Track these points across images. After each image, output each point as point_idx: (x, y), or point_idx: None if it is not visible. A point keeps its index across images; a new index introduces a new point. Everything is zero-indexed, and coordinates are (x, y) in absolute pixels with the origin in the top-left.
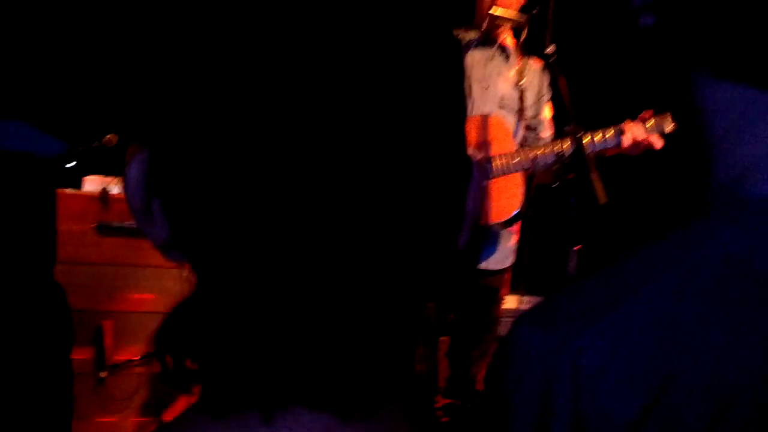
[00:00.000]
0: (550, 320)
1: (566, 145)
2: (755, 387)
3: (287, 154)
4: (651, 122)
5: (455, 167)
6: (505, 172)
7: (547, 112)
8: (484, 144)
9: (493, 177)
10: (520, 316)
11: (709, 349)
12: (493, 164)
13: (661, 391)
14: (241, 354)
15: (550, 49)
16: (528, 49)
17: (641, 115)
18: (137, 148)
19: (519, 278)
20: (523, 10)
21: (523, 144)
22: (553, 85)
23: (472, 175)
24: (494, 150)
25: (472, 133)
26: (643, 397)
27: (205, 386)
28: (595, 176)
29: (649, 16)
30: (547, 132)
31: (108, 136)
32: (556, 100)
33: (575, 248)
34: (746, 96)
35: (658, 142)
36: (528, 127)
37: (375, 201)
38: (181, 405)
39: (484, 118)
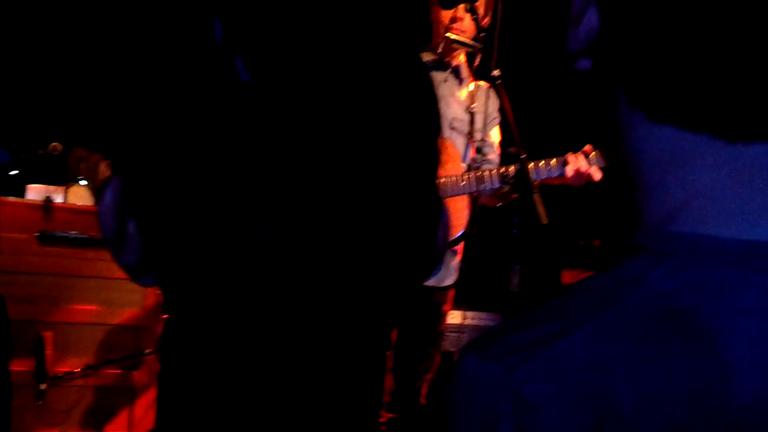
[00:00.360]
0: (497, 350)
1: (511, 169)
2: None
3: (261, 178)
4: (593, 155)
5: (427, 204)
6: (452, 194)
7: (495, 136)
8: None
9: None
10: (467, 344)
11: (635, 397)
12: (440, 186)
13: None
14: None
15: (495, 72)
16: (481, 74)
17: (584, 148)
18: (109, 173)
19: (463, 294)
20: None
21: (471, 166)
22: (500, 108)
23: (442, 210)
24: (442, 171)
25: None
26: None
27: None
28: (537, 197)
29: (586, 60)
30: (494, 155)
31: (53, 144)
32: (503, 124)
33: (517, 266)
34: (679, 137)
35: (597, 175)
36: (477, 150)
37: (348, 237)
38: (122, 419)
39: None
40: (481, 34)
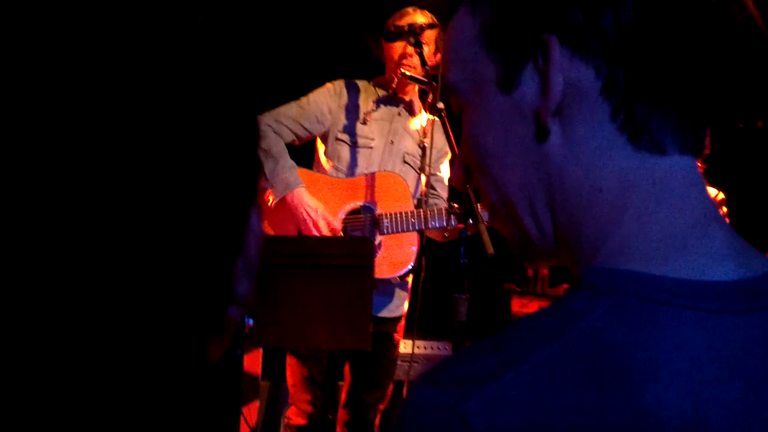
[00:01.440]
0: (448, 380)
1: (457, 206)
2: None
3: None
4: None
5: (233, 214)
6: (400, 230)
7: (445, 171)
8: (382, 200)
9: (388, 233)
10: (420, 374)
11: (571, 429)
12: (388, 221)
13: None
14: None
15: (440, 105)
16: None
17: None
18: None
19: (413, 324)
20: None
21: (422, 200)
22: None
23: (250, 225)
24: (392, 207)
25: (372, 188)
26: None
27: None
28: (482, 227)
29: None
30: (444, 191)
31: None
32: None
33: (465, 296)
34: (626, 179)
35: None
36: (427, 185)
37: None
38: None
39: (385, 175)
40: (428, 69)
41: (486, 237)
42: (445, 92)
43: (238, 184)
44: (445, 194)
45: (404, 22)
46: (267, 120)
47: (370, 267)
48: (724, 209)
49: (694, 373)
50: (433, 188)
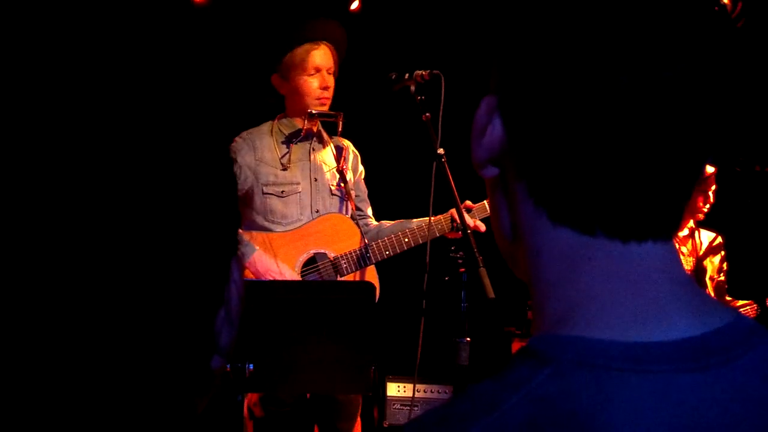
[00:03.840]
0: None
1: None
2: None
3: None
4: (472, 210)
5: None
6: (358, 267)
7: (364, 188)
8: (333, 242)
9: (348, 273)
10: (409, 423)
11: None
12: (345, 262)
13: None
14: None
15: (440, 151)
16: (413, 131)
17: (464, 204)
18: None
19: (413, 368)
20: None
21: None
22: (445, 182)
23: (231, 277)
24: (344, 246)
25: (319, 233)
26: None
27: None
28: (483, 272)
29: (492, 168)
30: (369, 209)
31: None
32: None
33: (466, 340)
34: (576, 241)
35: (481, 227)
36: (356, 208)
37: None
38: None
39: (327, 218)
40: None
41: (486, 281)
42: None
43: (218, 237)
44: (369, 211)
45: (311, 63)
46: None
47: (372, 311)
48: (713, 187)
49: None
50: (360, 209)
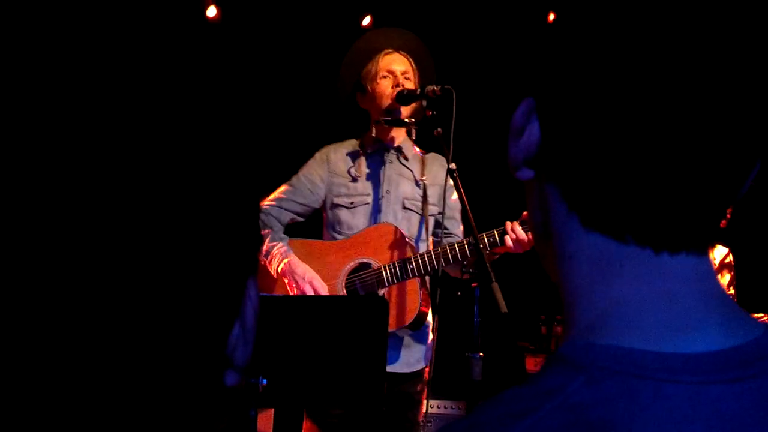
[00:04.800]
0: None
1: (466, 241)
2: None
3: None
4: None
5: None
6: (401, 278)
7: (455, 206)
8: (379, 252)
9: (390, 285)
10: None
11: None
12: (388, 272)
13: None
14: None
15: (452, 165)
16: (426, 145)
17: (522, 216)
18: None
19: (427, 384)
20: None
21: (434, 242)
22: (458, 196)
23: (248, 294)
24: (389, 257)
25: (367, 243)
26: None
27: None
28: (495, 287)
29: (527, 170)
30: (458, 228)
31: None
32: (463, 216)
33: (479, 355)
34: (607, 247)
35: (516, 248)
36: (438, 224)
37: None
38: None
39: (377, 228)
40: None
41: (499, 295)
42: None
43: (237, 256)
44: (459, 230)
45: (383, 67)
46: (262, 205)
47: (384, 325)
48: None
49: None
50: (444, 227)
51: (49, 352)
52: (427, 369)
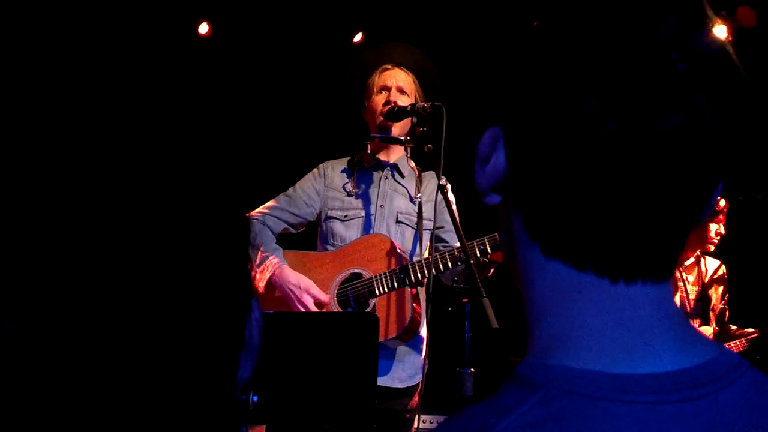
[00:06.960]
0: None
1: (457, 251)
2: None
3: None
4: None
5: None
6: (392, 288)
7: (452, 221)
8: (371, 262)
9: (380, 294)
10: None
11: None
12: (379, 282)
13: None
14: None
15: (443, 181)
16: (418, 161)
17: None
18: None
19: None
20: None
21: (432, 255)
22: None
23: (251, 313)
24: (381, 267)
25: (358, 253)
26: None
27: None
28: (486, 302)
29: (494, 195)
30: (456, 240)
31: None
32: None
33: (470, 370)
34: (567, 274)
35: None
36: (437, 238)
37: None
38: None
39: (368, 238)
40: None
41: (490, 311)
42: None
43: (239, 278)
44: (457, 243)
45: (378, 83)
46: (253, 214)
47: (375, 342)
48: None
49: None
50: (443, 240)
51: None
52: (420, 385)
